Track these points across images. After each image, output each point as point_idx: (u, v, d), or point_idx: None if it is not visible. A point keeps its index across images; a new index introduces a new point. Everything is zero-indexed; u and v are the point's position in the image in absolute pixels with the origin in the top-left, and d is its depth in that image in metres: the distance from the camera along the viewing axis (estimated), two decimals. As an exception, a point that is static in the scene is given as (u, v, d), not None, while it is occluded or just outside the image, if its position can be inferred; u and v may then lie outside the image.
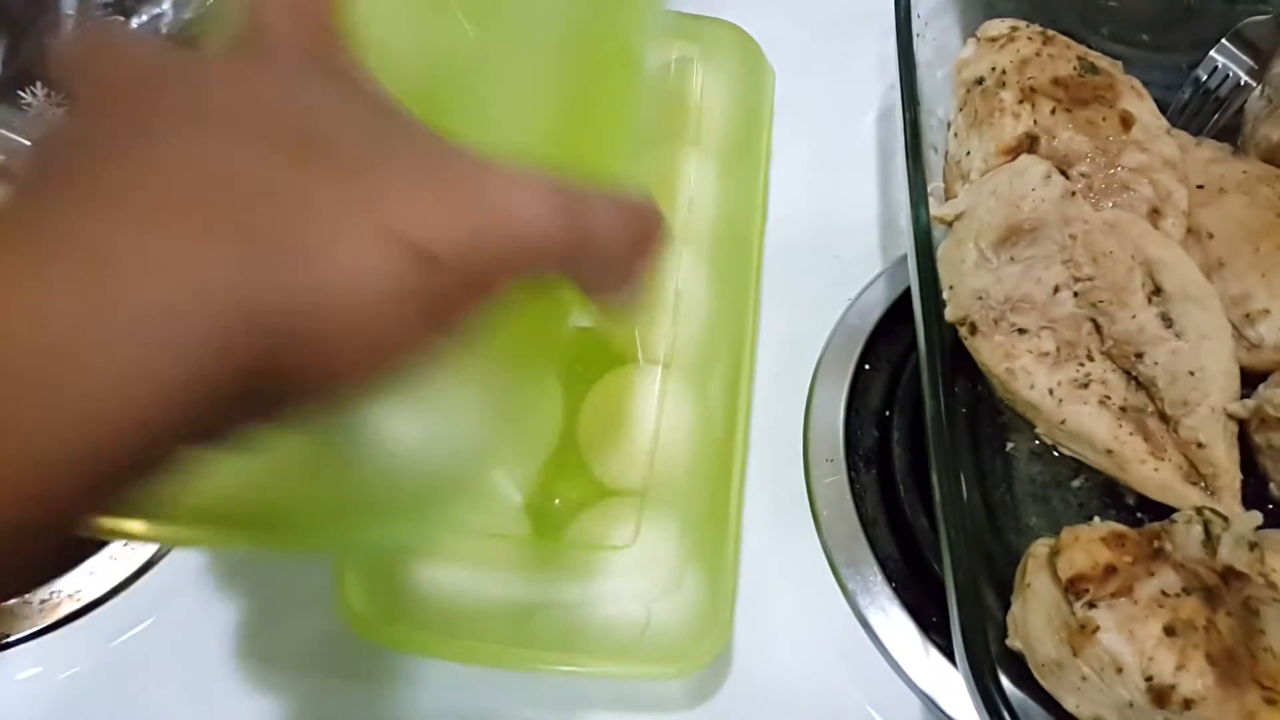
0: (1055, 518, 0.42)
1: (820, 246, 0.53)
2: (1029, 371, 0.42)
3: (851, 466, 0.46)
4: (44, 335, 0.17)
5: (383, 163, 0.21)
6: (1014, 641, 0.38)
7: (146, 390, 0.17)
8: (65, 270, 0.17)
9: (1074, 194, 0.44)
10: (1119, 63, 0.50)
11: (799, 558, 0.44)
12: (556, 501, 0.42)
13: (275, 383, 0.19)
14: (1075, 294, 0.43)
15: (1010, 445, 0.43)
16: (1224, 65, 0.51)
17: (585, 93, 0.33)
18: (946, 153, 0.50)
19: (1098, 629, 0.35)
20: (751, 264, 0.45)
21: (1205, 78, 0.51)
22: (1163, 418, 0.42)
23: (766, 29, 0.55)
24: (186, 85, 0.21)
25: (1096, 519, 0.38)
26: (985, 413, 0.44)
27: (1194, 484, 0.41)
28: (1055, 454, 0.43)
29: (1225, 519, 0.38)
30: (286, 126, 0.21)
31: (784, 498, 0.45)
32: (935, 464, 0.37)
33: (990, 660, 0.32)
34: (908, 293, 0.50)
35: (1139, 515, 0.41)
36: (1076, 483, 0.42)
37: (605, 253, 0.23)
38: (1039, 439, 0.43)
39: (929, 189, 0.46)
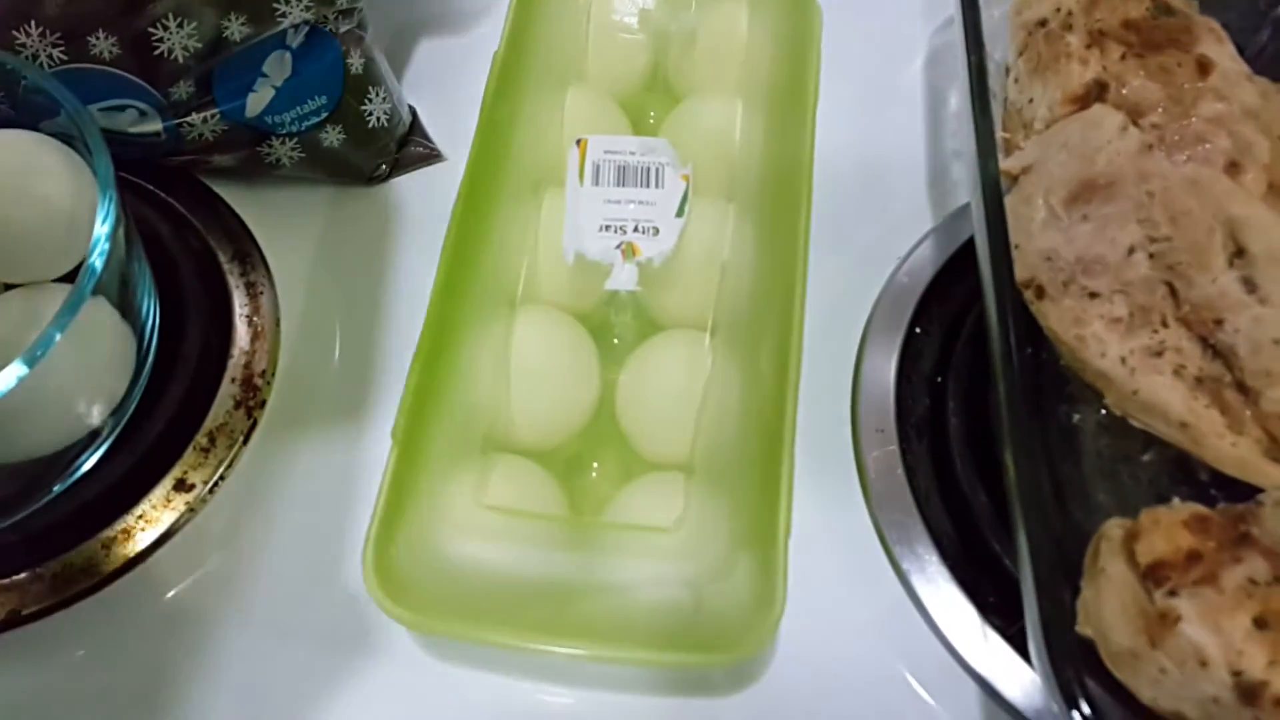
0: (1124, 494, 0.39)
1: (867, 199, 0.50)
2: (1100, 339, 0.39)
3: (903, 437, 0.43)
4: None
5: None
6: (1084, 628, 0.35)
7: None
8: None
9: (1151, 147, 0.41)
10: (1194, 2, 0.46)
11: (848, 534, 0.42)
12: (594, 475, 0.40)
13: None
14: (1151, 255, 0.40)
15: (1077, 416, 0.41)
16: (1307, 5, 0.48)
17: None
18: (1006, 100, 0.47)
19: (1180, 619, 0.33)
20: (801, 220, 0.42)
21: (1287, 19, 0.48)
22: (1242, 389, 0.39)
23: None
24: None
25: (1176, 500, 0.36)
26: (1049, 382, 0.41)
27: (1276, 460, 0.38)
28: (1124, 427, 0.40)
29: (1316, 501, 0.36)
30: None
31: (831, 469, 0.43)
32: (1010, 444, 0.34)
33: (1077, 666, 0.30)
34: (961, 250, 0.47)
35: (1213, 493, 0.39)
36: (1147, 457, 0.40)
37: None
38: (1107, 410, 0.40)
39: (989, 140, 0.43)
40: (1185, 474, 0.39)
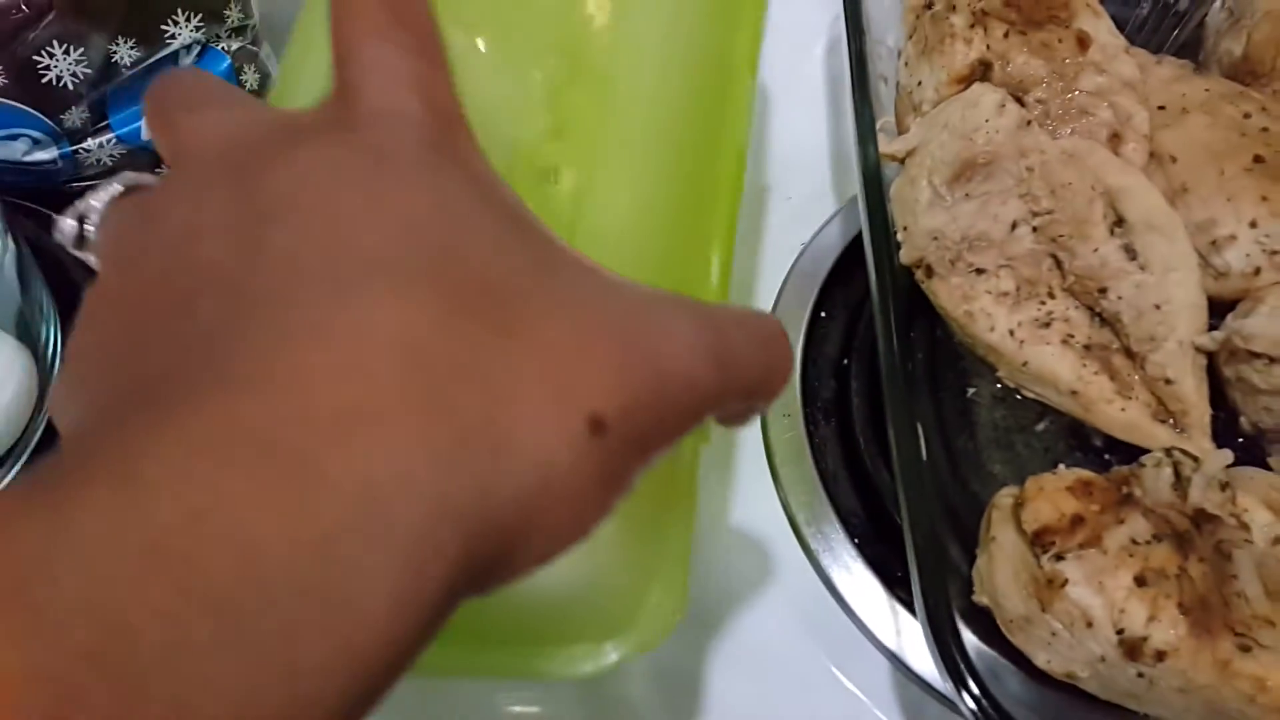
0: (1020, 464, 0.40)
1: (770, 187, 0.51)
2: (988, 313, 0.40)
3: (810, 420, 0.44)
4: (296, 562, 0.14)
5: (545, 312, 0.18)
6: (980, 597, 0.36)
7: (388, 608, 0.15)
8: (272, 479, 0.15)
9: (1030, 123, 0.41)
10: (1073, -22, 0.47)
11: (757, 518, 0.42)
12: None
13: (479, 576, 0.17)
14: (1034, 229, 0.40)
15: (972, 390, 0.41)
16: (1183, -24, 0.49)
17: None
18: (898, 84, 0.48)
19: (1066, 582, 0.33)
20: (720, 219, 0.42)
21: (1164, -9, 0.49)
22: (1129, 354, 0.40)
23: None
24: (306, 212, 0.18)
25: (1061, 465, 0.37)
26: (945, 357, 0.42)
27: (1163, 422, 0.39)
28: (1019, 398, 0.41)
29: (1195, 459, 0.36)
30: (445, 262, 0.18)
31: (740, 455, 0.44)
32: (892, 420, 0.35)
33: (955, 631, 0.31)
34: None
35: (1107, 457, 0.40)
36: (1041, 426, 0.41)
37: (749, 388, 0.22)
38: (1001, 383, 0.41)
39: (880, 123, 0.43)
40: (1079, 440, 0.40)
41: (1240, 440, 0.40)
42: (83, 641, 0.13)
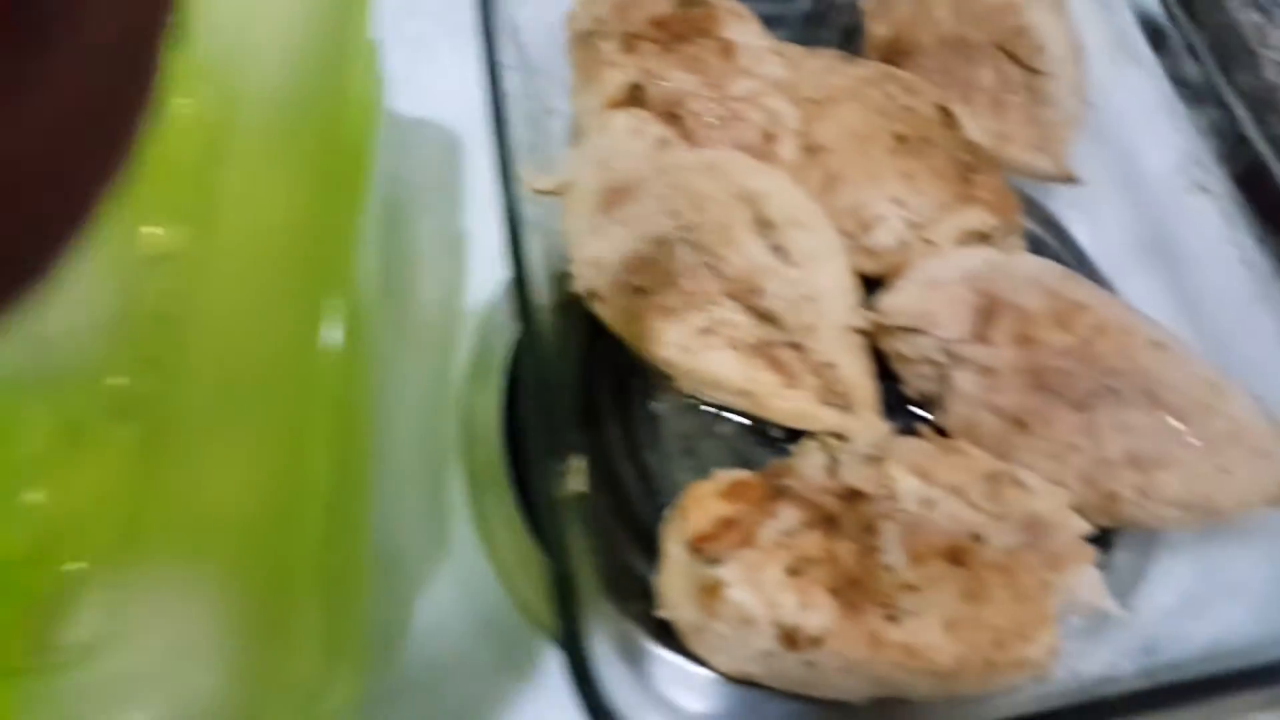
0: (705, 470, 0.40)
1: (468, 231, 0.51)
2: (655, 328, 0.41)
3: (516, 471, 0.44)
4: None
5: None
6: (662, 611, 0.37)
7: None
8: None
9: (668, 141, 0.43)
10: (720, -15, 0.48)
11: (471, 583, 0.42)
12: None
13: None
14: (686, 243, 0.41)
15: (657, 404, 0.42)
16: (828, -32, 0.51)
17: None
18: (572, 116, 0.49)
19: (723, 585, 0.34)
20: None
21: (817, -16, 0.50)
22: (795, 347, 0.41)
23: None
24: None
25: (718, 471, 0.37)
26: (633, 375, 0.43)
27: (831, 405, 0.40)
28: (700, 406, 0.42)
29: (844, 439, 0.38)
30: None
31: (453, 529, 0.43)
32: (532, 458, 0.36)
33: (588, 674, 0.31)
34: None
35: (789, 448, 0.41)
36: (722, 429, 0.42)
37: None
38: (682, 393, 0.42)
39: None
40: (759, 436, 0.42)
41: (912, 408, 0.41)
42: None
